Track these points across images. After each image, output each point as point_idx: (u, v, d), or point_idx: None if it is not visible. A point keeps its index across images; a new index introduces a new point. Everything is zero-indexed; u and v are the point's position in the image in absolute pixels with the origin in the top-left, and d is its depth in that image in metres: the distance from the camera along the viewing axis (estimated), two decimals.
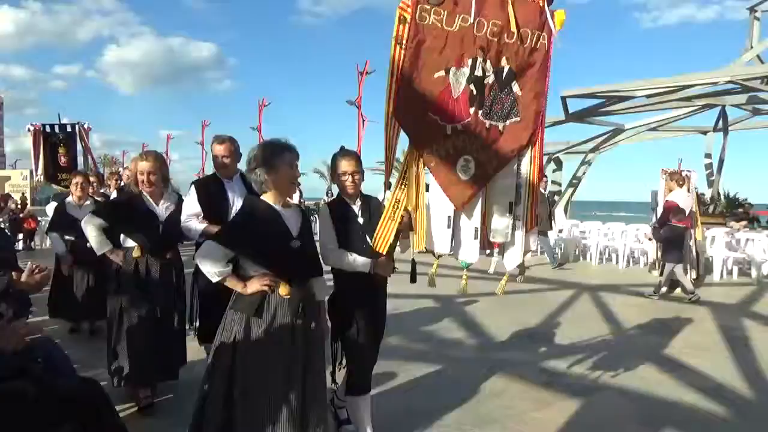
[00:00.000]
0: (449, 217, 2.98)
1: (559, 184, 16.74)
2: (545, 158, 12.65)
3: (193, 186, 3.87)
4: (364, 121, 16.55)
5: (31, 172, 13.56)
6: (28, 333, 2.23)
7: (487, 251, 3.39)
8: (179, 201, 3.84)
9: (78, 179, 5.50)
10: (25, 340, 2.21)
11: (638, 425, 3.55)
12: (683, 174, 9.11)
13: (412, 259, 3.06)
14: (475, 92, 2.87)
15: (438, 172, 2.89)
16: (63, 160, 10.79)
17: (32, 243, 13.30)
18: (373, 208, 3.12)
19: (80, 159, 11.63)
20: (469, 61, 2.83)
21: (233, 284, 2.50)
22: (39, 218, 13.63)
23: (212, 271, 2.48)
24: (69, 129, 10.97)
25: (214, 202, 3.75)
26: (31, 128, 11.70)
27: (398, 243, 3.01)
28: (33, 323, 2.78)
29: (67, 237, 5.26)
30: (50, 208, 5.91)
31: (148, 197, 3.68)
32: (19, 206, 13.83)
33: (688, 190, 8.69)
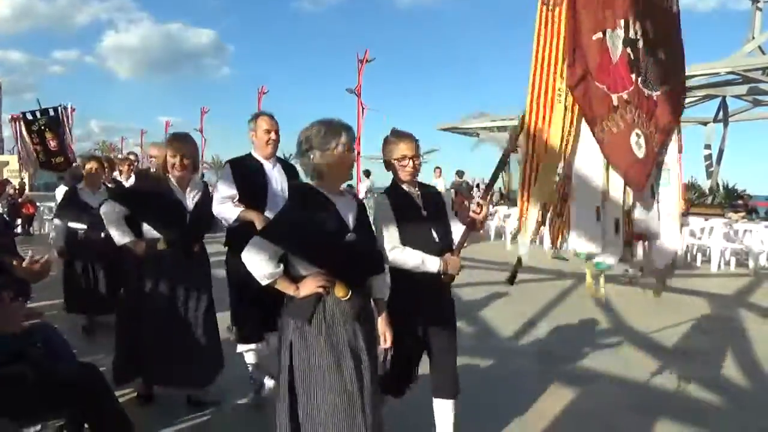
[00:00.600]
0: (598, 207, 2.50)
1: None
2: None
3: (228, 165, 3.51)
4: (363, 109, 16.43)
5: (21, 163, 13.23)
6: (28, 317, 2.23)
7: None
8: (206, 190, 3.59)
9: (92, 164, 5.00)
10: (24, 325, 2.21)
11: (635, 414, 3.57)
12: None
13: (519, 258, 2.66)
14: (632, 57, 2.50)
15: (613, 151, 2.44)
16: (52, 144, 10.55)
17: (31, 228, 13.30)
18: (435, 198, 2.77)
19: (73, 141, 11.37)
20: (622, 22, 2.50)
21: (284, 287, 2.21)
22: (38, 203, 13.63)
23: (261, 273, 2.17)
24: (52, 113, 10.61)
25: (253, 183, 3.38)
26: (11, 118, 11.40)
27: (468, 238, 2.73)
28: (32, 308, 2.77)
29: (76, 225, 4.90)
30: (60, 191, 5.48)
31: (176, 185, 3.40)
32: (18, 191, 13.79)
33: None
